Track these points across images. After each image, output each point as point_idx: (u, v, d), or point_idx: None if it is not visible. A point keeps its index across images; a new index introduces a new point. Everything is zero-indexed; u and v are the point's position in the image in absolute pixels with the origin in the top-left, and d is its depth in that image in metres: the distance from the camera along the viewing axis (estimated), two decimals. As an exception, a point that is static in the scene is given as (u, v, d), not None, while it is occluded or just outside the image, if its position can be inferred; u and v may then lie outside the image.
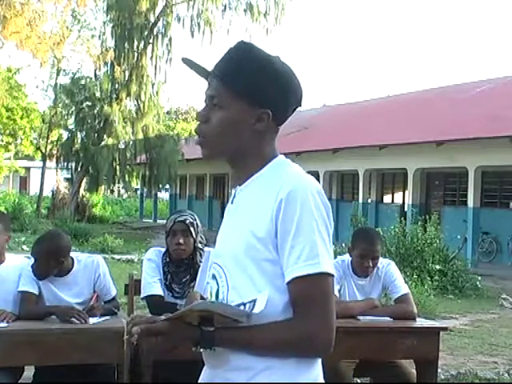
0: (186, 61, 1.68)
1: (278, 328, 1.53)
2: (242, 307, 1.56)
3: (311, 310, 1.53)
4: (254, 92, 1.63)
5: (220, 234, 1.74)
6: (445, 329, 4.51)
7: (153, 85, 26.39)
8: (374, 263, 4.05)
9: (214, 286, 1.65)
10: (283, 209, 1.54)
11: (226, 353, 1.56)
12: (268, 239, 1.55)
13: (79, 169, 26.95)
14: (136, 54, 25.91)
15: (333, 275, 1.56)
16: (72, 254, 3.85)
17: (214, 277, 1.67)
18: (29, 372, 3.84)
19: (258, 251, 1.55)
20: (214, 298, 1.65)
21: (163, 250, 3.93)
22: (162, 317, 1.57)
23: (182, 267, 3.84)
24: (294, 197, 1.54)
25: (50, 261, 3.69)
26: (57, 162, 28.81)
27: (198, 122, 1.68)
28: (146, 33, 25.86)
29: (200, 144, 1.69)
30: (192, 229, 3.78)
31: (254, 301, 1.54)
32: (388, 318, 3.97)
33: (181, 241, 3.74)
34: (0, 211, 5.40)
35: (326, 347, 1.55)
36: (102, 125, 26.38)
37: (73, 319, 3.52)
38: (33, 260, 3.73)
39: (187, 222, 3.78)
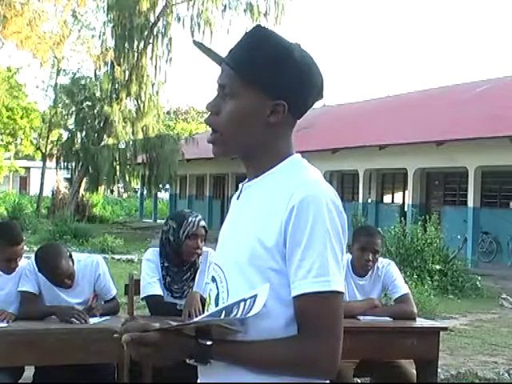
0: (197, 44, 1.54)
1: (279, 346, 1.42)
2: (242, 303, 1.44)
3: (318, 331, 1.41)
4: (268, 81, 1.50)
5: (223, 231, 1.61)
6: (445, 329, 4.51)
7: (153, 85, 26.40)
8: (374, 258, 4.04)
9: (214, 290, 1.55)
10: (294, 217, 1.41)
11: (223, 367, 1.45)
12: (276, 249, 1.43)
13: (79, 169, 26.93)
14: (136, 54, 25.91)
15: (342, 293, 1.45)
16: (72, 255, 3.85)
17: (214, 279, 1.56)
18: (29, 372, 3.85)
19: (264, 260, 1.43)
20: (213, 303, 1.55)
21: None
22: (157, 325, 1.44)
23: (183, 268, 3.85)
24: (306, 205, 1.42)
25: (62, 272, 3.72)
26: (57, 162, 28.79)
27: (209, 113, 1.55)
28: (146, 33, 25.85)
29: (212, 142, 1.56)
30: (206, 233, 3.92)
31: (255, 296, 1.41)
32: (388, 318, 3.97)
33: (200, 245, 3.84)
34: (13, 221, 5.41)
35: (329, 373, 1.43)
36: (101, 125, 26.40)
37: (73, 319, 3.52)
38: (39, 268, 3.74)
39: (205, 227, 3.91)
